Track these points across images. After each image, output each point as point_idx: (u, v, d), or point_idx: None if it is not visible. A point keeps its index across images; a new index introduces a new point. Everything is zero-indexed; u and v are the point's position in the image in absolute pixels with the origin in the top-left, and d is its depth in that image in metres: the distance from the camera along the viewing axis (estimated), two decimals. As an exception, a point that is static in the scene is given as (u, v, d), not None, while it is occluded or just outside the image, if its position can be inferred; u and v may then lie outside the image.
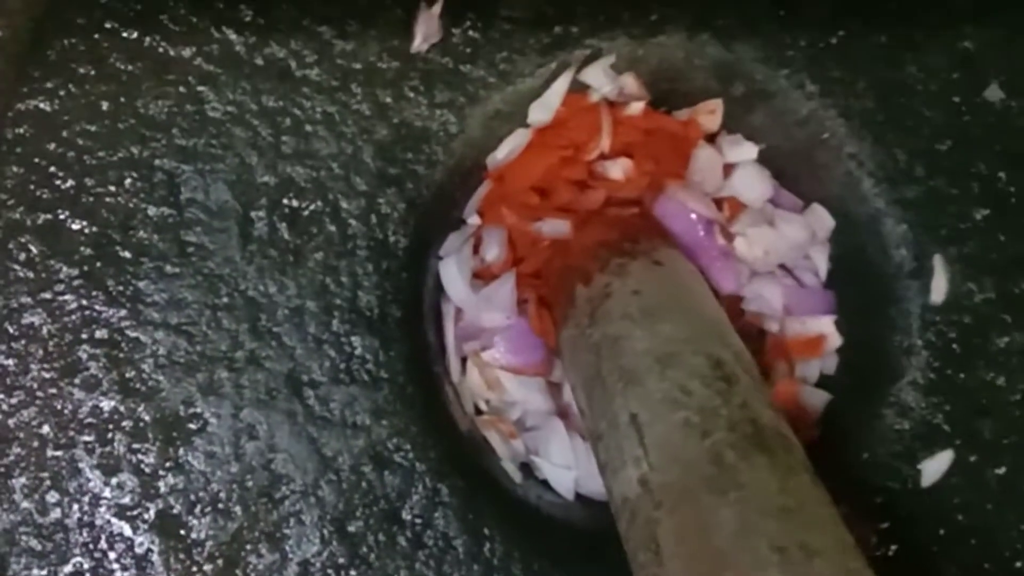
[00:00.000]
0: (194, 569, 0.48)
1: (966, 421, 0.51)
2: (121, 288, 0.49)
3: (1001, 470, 0.51)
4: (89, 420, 0.48)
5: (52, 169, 0.49)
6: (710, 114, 0.56)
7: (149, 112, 0.50)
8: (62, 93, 0.50)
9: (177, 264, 0.50)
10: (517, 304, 0.55)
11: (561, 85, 0.53)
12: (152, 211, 0.50)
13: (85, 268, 0.49)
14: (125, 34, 0.50)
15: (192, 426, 0.49)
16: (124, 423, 0.49)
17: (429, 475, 0.50)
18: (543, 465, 0.54)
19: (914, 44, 0.53)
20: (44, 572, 0.47)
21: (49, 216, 0.49)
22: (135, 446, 0.48)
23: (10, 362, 0.48)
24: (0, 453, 0.48)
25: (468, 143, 0.52)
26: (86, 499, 0.48)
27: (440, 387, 0.54)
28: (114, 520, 0.48)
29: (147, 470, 0.48)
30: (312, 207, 0.50)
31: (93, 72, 0.50)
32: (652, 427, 0.41)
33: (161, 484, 0.48)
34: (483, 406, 0.56)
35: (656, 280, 0.49)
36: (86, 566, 0.48)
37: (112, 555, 0.48)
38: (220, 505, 0.48)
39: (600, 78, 0.54)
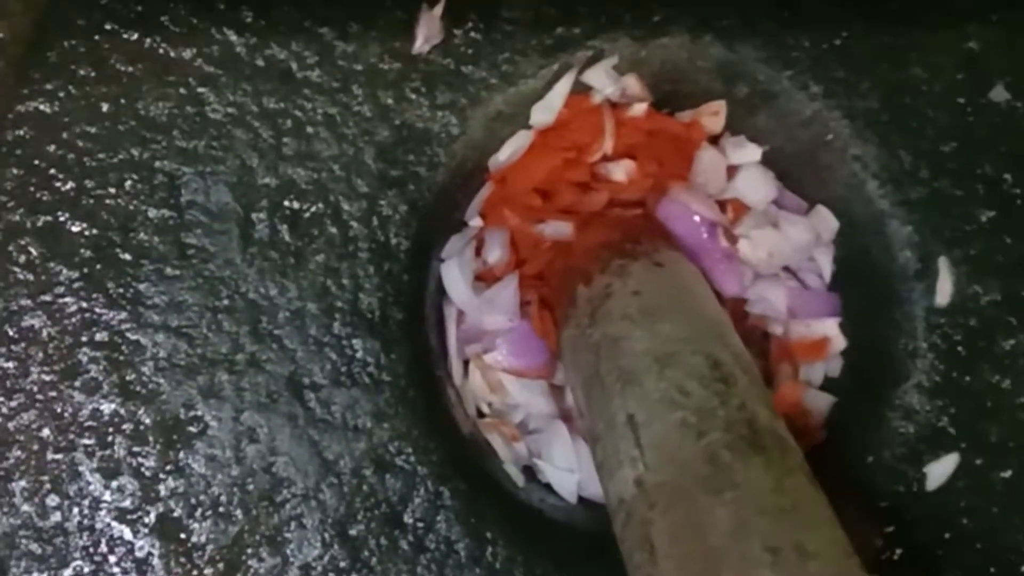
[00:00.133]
0: (195, 573, 0.48)
1: (971, 424, 0.51)
2: (121, 290, 0.49)
3: (1007, 473, 0.51)
4: (89, 423, 0.48)
5: (52, 171, 0.49)
6: (713, 115, 0.56)
7: (150, 114, 0.50)
8: (62, 95, 0.50)
9: (177, 266, 0.49)
10: (520, 306, 0.54)
11: (563, 86, 0.53)
12: (152, 213, 0.50)
13: (85, 270, 0.49)
14: (125, 35, 0.50)
15: (193, 429, 0.49)
16: (124, 426, 0.48)
17: (431, 478, 0.49)
18: (546, 468, 0.54)
19: (919, 45, 0.53)
20: (44, 576, 0.47)
21: (49, 218, 0.49)
22: (135, 449, 0.48)
23: (10, 365, 0.48)
24: (0, 456, 0.48)
25: (470, 145, 0.52)
26: (86, 502, 0.48)
27: (442, 390, 0.54)
28: (114, 524, 0.48)
29: (147, 473, 0.48)
30: (313, 209, 0.50)
31: (93, 74, 0.50)
32: (649, 427, 0.41)
33: (161, 487, 0.48)
34: (485, 409, 0.56)
35: (657, 281, 0.49)
36: (86, 570, 0.48)
37: (112, 559, 0.48)
38: (221, 508, 0.48)
39: (602, 79, 0.53)
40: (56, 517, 0.48)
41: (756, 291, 0.56)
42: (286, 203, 0.50)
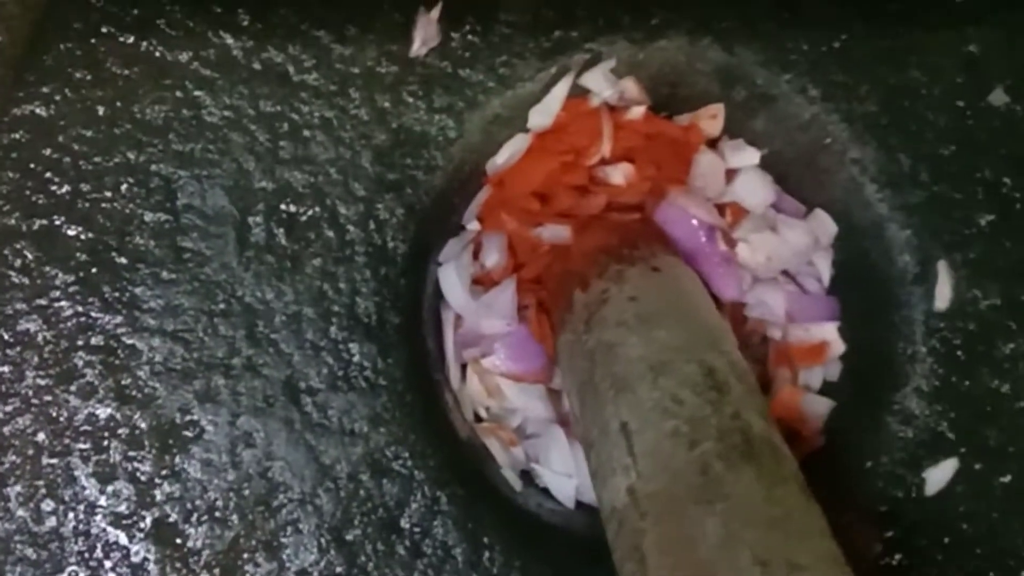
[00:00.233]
0: (190, 578, 0.48)
1: (971, 429, 0.50)
2: (117, 294, 0.49)
3: (1006, 478, 0.50)
4: (85, 428, 0.48)
5: (48, 175, 0.49)
6: (712, 119, 0.56)
7: (146, 117, 0.50)
8: (58, 98, 0.50)
9: (174, 270, 0.49)
10: (517, 310, 0.54)
11: (561, 90, 0.53)
12: (149, 217, 0.49)
13: (81, 274, 0.49)
14: (122, 39, 0.50)
15: (188, 434, 0.48)
16: (120, 431, 0.48)
17: (428, 483, 0.49)
18: (544, 473, 0.54)
19: (918, 48, 0.53)
20: (39, 581, 0.47)
21: (45, 222, 0.49)
22: (131, 454, 0.48)
23: (5, 369, 0.48)
24: (-5, 461, 0.48)
25: (467, 148, 0.52)
26: (82, 507, 0.48)
27: (439, 394, 0.54)
28: (110, 529, 0.48)
29: (143, 478, 0.48)
30: (310, 213, 0.50)
31: (90, 77, 0.50)
32: (642, 436, 0.41)
33: (157, 492, 0.48)
34: (483, 413, 0.56)
35: (653, 286, 0.48)
36: (81, 575, 0.47)
37: (108, 564, 0.47)
38: (217, 513, 0.48)
39: (600, 82, 0.53)
40: (51, 522, 0.47)
41: (755, 295, 0.56)
42: (283, 207, 0.50)
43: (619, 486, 0.41)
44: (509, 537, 0.50)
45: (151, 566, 0.47)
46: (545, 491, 0.55)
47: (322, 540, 0.48)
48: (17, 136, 0.49)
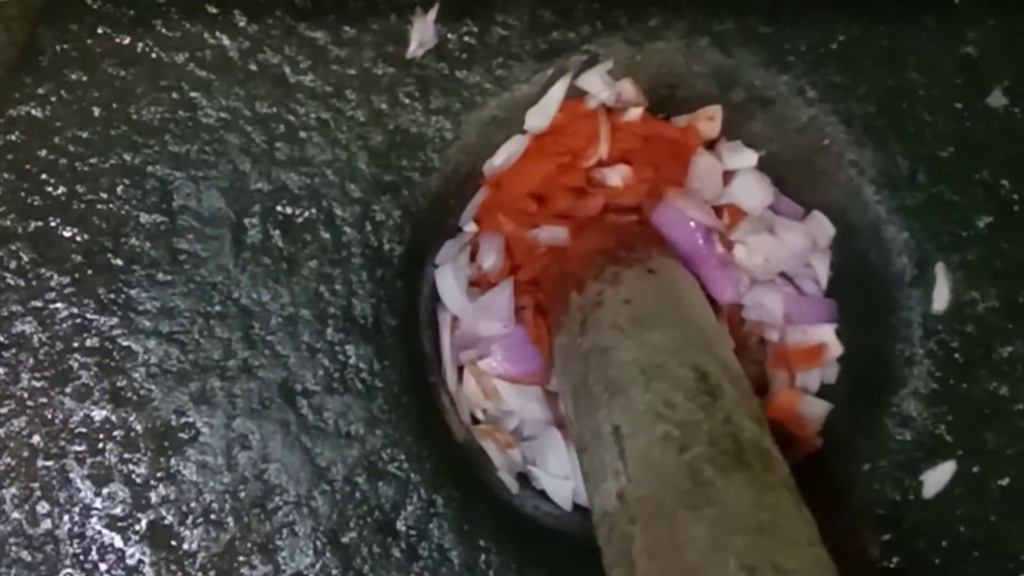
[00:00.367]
0: (186, 581, 0.47)
1: (969, 431, 0.50)
2: (113, 296, 0.49)
3: (1004, 481, 0.50)
4: (80, 430, 0.48)
5: (43, 176, 0.49)
6: (709, 120, 0.56)
7: (142, 118, 0.50)
8: (54, 99, 0.49)
9: (169, 272, 0.49)
10: (515, 312, 0.54)
11: (558, 91, 0.53)
12: (144, 218, 0.49)
13: (76, 276, 0.49)
14: (118, 40, 0.50)
15: (184, 436, 0.48)
16: (115, 433, 0.48)
17: (424, 485, 0.49)
18: (540, 475, 0.54)
19: (916, 49, 0.53)
20: (34, 583, 0.47)
21: (40, 223, 0.49)
22: (126, 456, 0.48)
23: (0, 371, 0.48)
24: (-10, 463, 0.48)
25: (464, 150, 0.52)
26: (77, 510, 0.48)
27: (436, 396, 0.53)
28: (105, 531, 0.48)
29: (139, 480, 0.48)
30: (306, 214, 0.50)
31: (85, 78, 0.50)
32: (633, 440, 0.41)
33: (153, 495, 0.48)
34: (480, 415, 0.56)
35: (649, 289, 0.48)
36: (76, 577, 0.47)
37: (103, 566, 0.47)
38: (212, 516, 0.48)
39: (598, 84, 0.53)
40: (47, 524, 0.47)
41: (752, 297, 0.56)
42: (279, 208, 0.50)
43: (610, 490, 0.41)
44: (505, 540, 0.50)
45: (146, 568, 0.47)
46: (542, 494, 0.55)
47: (318, 543, 0.48)
48: (13, 137, 0.49)
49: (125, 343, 0.49)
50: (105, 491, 0.48)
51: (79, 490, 0.48)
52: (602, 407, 0.43)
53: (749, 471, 0.39)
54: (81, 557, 0.47)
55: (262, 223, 0.50)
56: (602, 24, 0.52)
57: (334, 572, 0.48)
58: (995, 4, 0.54)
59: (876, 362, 0.53)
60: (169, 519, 0.48)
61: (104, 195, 0.49)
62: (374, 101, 0.51)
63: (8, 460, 0.48)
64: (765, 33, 0.53)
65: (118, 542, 0.48)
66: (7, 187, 0.49)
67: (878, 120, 0.52)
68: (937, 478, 0.50)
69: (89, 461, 0.48)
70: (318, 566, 0.48)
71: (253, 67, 0.50)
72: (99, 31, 0.50)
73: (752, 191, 0.56)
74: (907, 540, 0.50)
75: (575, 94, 0.53)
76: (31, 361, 0.48)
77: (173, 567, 0.47)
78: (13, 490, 0.47)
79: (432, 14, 0.51)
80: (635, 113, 0.55)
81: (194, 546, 0.48)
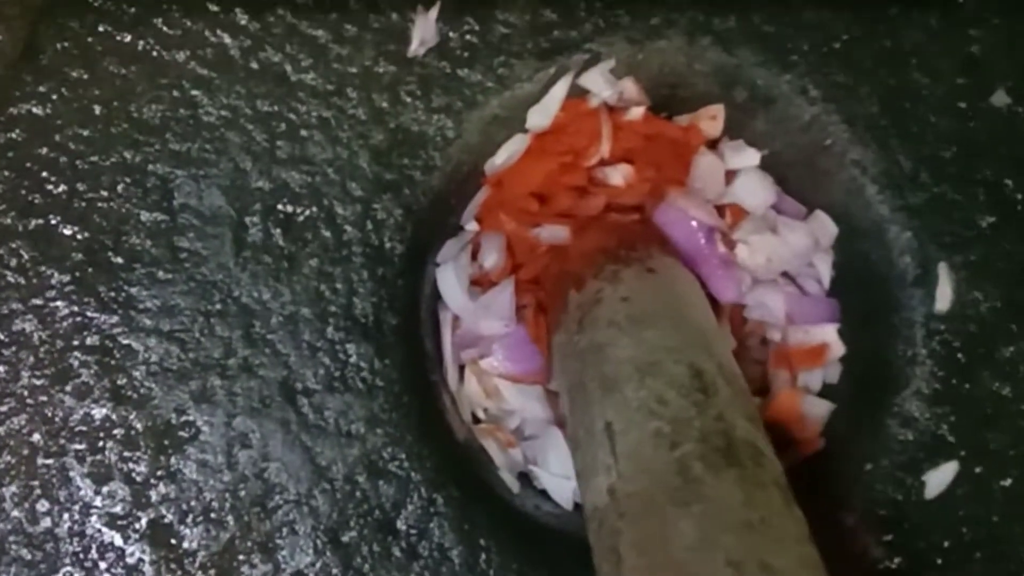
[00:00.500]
0: (186, 579, 0.47)
1: (971, 432, 0.50)
2: (113, 294, 0.49)
3: (1007, 481, 0.50)
4: (80, 428, 0.48)
5: (44, 174, 0.49)
6: (711, 120, 0.56)
7: (143, 116, 0.50)
8: (55, 97, 0.49)
9: (170, 270, 0.49)
10: (516, 311, 0.54)
11: (560, 90, 0.52)
12: (145, 216, 0.49)
13: (77, 274, 0.49)
14: (119, 38, 0.50)
15: (184, 434, 0.48)
16: (115, 431, 0.48)
17: (425, 484, 0.49)
18: (541, 475, 0.54)
19: (919, 49, 0.53)
20: (34, 582, 0.47)
21: (41, 221, 0.49)
22: (126, 454, 0.48)
23: (0, 369, 0.48)
24: (-10, 461, 0.48)
25: (466, 148, 0.52)
26: (77, 508, 0.47)
27: (437, 395, 0.53)
28: (105, 529, 0.47)
29: (138, 479, 0.48)
30: (307, 213, 0.50)
31: (86, 76, 0.50)
32: (625, 436, 0.41)
33: (153, 493, 0.48)
34: (481, 415, 0.56)
35: (648, 288, 0.48)
36: (76, 576, 0.47)
37: (103, 565, 0.47)
38: (212, 515, 0.48)
39: (599, 83, 0.53)
40: (46, 523, 0.47)
41: (754, 297, 0.56)
42: (280, 207, 0.50)
43: (600, 486, 0.41)
44: (506, 539, 0.49)
45: (146, 567, 0.47)
46: (543, 493, 0.55)
47: (318, 542, 0.48)
48: (13, 135, 0.49)
49: (125, 341, 0.49)
50: (105, 489, 0.48)
51: (79, 488, 0.48)
52: (596, 403, 0.43)
53: (740, 469, 0.39)
54: (81, 555, 0.47)
55: (263, 221, 0.50)
56: (604, 23, 0.52)
57: (334, 571, 0.48)
58: (998, 4, 0.53)
59: (878, 362, 0.53)
60: (169, 518, 0.48)
61: (105, 193, 0.49)
62: (375, 99, 0.51)
63: (8, 458, 0.47)
64: (767, 32, 0.52)
65: (118, 540, 0.47)
66: (8, 185, 0.49)
67: (881, 120, 0.52)
68: (939, 479, 0.50)
69: (89, 459, 0.48)
70: (318, 565, 0.48)
71: (254, 65, 0.50)
72: (100, 29, 0.50)
73: (754, 190, 0.56)
74: (909, 540, 0.50)
75: (577, 93, 0.53)
76: (31, 359, 0.48)
77: (173, 566, 0.47)
78: (13, 488, 0.47)
79: (433, 12, 0.51)
80: (637, 112, 0.55)
81: (194, 545, 0.48)
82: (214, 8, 0.50)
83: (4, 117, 0.49)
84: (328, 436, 0.49)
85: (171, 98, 0.50)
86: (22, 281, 0.48)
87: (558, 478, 0.53)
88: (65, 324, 0.48)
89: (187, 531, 0.48)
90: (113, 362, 0.48)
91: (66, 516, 0.47)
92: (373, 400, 0.49)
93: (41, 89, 0.50)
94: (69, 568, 0.47)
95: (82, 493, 0.48)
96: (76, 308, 0.48)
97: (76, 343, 0.48)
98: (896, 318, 0.52)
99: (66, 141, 0.49)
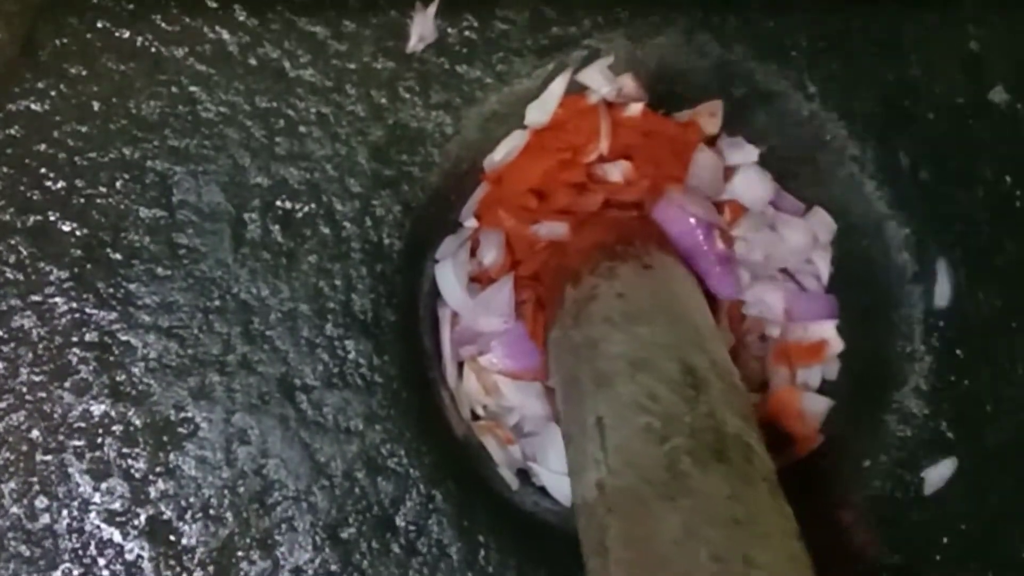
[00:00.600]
0: (184, 576, 0.47)
1: (970, 428, 0.50)
2: (112, 291, 0.49)
3: (1005, 478, 0.50)
4: (79, 424, 0.48)
5: (43, 170, 0.49)
6: (710, 116, 0.56)
7: (141, 113, 0.50)
8: (53, 94, 0.49)
9: (169, 266, 0.49)
10: (515, 308, 0.54)
11: (559, 86, 0.52)
12: (144, 213, 0.49)
13: (76, 270, 0.49)
14: (117, 34, 0.50)
15: (183, 431, 0.48)
16: (114, 427, 0.48)
17: (423, 481, 0.49)
18: (540, 471, 0.54)
19: (918, 45, 0.53)
20: (33, 578, 0.47)
21: (39, 218, 0.49)
22: (125, 451, 0.48)
23: (-1, 365, 0.48)
24: (-11, 457, 0.48)
25: (464, 145, 0.52)
26: (75, 504, 0.48)
27: (436, 392, 0.53)
28: (104, 526, 0.48)
29: (137, 475, 0.48)
30: (306, 209, 0.50)
31: (85, 72, 0.50)
32: (615, 431, 0.41)
33: (152, 490, 0.48)
34: (480, 411, 0.56)
35: (644, 284, 0.48)
36: (75, 572, 0.47)
37: (101, 561, 0.47)
38: (211, 511, 0.48)
39: (598, 79, 0.53)
40: (45, 519, 0.47)
41: (753, 293, 0.56)
42: (278, 203, 0.50)
43: (590, 480, 0.41)
44: (505, 536, 0.49)
45: (145, 564, 0.47)
46: (542, 490, 0.55)
47: (317, 538, 0.48)
48: (12, 132, 0.49)
49: (124, 338, 0.49)
50: (104, 486, 0.48)
51: (78, 485, 0.48)
52: (588, 398, 0.43)
53: (728, 465, 0.38)
54: (80, 552, 0.47)
55: (262, 218, 0.50)
56: (603, 19, 0.52)
57: (333, 567, 0.48)
58: (998, 1, 0.53)
59: (877, 358, 0.53)
60: (168, 514, 0.48)
61: (103, 189, 0.49)
62: (374, 96, 0.51)
63: (7, 454, 0.47)
64: (766, 28, 0.52)
65: (117, 537, 0.47)
66: (6, 181, 0.49)
67: (880, 116, 0.52)
68: (938, 475, 0.50)
69: (88, 456, 0.48)
70: (317, 561, 0.48)
71: (253, 61, 0.50)
72: (98, 25, 0.50)
73: (753, 187, 0.56)
74: (907, 537, 0.50)
75: (576, 89, 0.53)
76: (30, 356, 0.48)
77: (172, 562, 0.47)
78: (12, 484, 0.47)
79: (432, 8, 0.51)
80: (636, 108, 0.55)
81: (193, 541, 0.48)
82: (212, 4, 0.50)
83: (2, 113, 0.49)
84: (327, 432, 0.49)
85: (170, 94, 0.50)
86: (21, 277, 0.48)
87: (557, 475, 0.53)
88: (64, 320, 0.48)
89: (186, 527, 0.48)
90: (112, 358, 0.48)
91: (65, 512, 0.47)
92: (372, 397, 0.49)
93: (40, 85, 0.49)
94: (68, 564, 0.47)
95: (81, 489, 0.48)
96: (75, 304, 0.48)
97: (75, 339, 0.48)
98: (895, 315, 0.52)
99: (65, 137, 0.49)
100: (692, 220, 0.54)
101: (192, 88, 0.50)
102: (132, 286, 0.49)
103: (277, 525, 0.48)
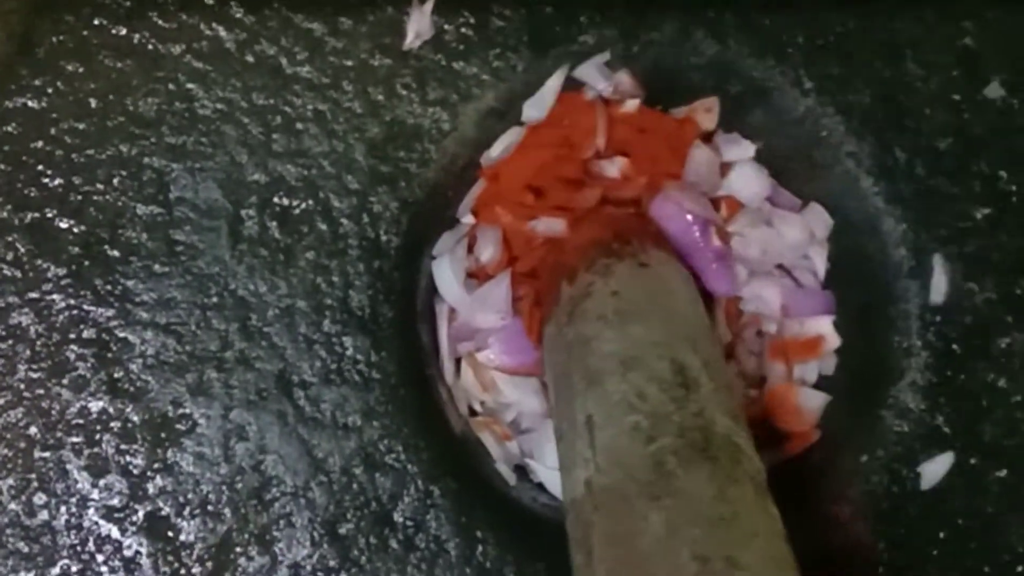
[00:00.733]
0: (183, 572, 0.47)
1: (966, 423, 0.50)
2: (109, 287, 0.49)
3: (1002, 472, 0.50)
4: (77, 421, 0.48)
5: (40, 167, 0.49)
6: (707, 112, 0.56)
7: (138, 110, 0.50)
8: (50, 91, 0.49)
9: (166, 263, 0.49)
10: (512, 304, 0.54)
11: (555, 82, 0.52)
12: (141, 210, 0.49)
13: (73, 267, 0.49)
14: (114, 31, 0.50)
15: (181, 427, 0.48)
16: (112, 424, 0.48)
17: (421, 477, 0.49)
18: (538, 468, 0.54)
19: (914, 41, 0.53)
20: (31, 575, 0.47)
21: (37, 215, 0.49)
22: (123, 447, 0.48)
23: (-3, 362, 0.48)
24: (-13, 454, 0.48)
25: (461, 141, 0.52)
26: (74, 501, 0.48)
27: (433, 388, 0.53)
28: (102, 522, 0.48)
29: (135, 472, 0.48)
30: (303, 206, 0.50)
31: (82, 69, 0.50)
32: (604, 429, 0.41)
33: (150, 486, 0.48)
34: (477, 407, 0.56)
35: (639, 282, 0.48)
36: (73, 569, 0.47)
37: (100, 557, 0.47)
38: (209, 507, 0.48)
39: (594, 75, 0.53)
40: (43, 515, 0.47)
41: (750, 289, 0.56)
42: (276, 200, 0.50)
43: (578, 478, 0.41)
44: (502, 531, 0.50)
45: (143, 560, 0.47)
46: (539, 486, 0.55)
47: (315, 534, 0.48)
48: (9, 129, 0.49)
49: (122, 334, 0.49)
50: (102, 482, 0.48)
51: (76, 481, 0.48)
52: (579, 396, 0.43)
53: (715, 464, 0.38)
54: (78, 548, 0.47)
55: (259, 215, 0.50)
56: (599, 15, 0.52)
57: (331, 563, 0.48)
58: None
59: (874, 354, 0.53)
60: (166, 510, 0.48)
61: (101, 186, 0.49)
62: (371, 92, 0.51)
63: (5, 451, 0.48)
64: (762, 24, 0.52)
65: (115, 533, 0.48)
66: (3, 178, 0.49)
67: (876, 112, 0.52)
68: (935, 470, 0.50)
69: (86, 452, 0.48)
70: (315, 557, 0.48)
71: (250, 58, 0.50)
72: (95, 22, 0.50)
73: (750, 183, 0.56)
74: (905, 532, 0.50)
75: (572, 86, 0.53)
76: (28, 352, 0.48)
77: (170, 558, 0.47)
78: (10, 481, 0.47)
79: (429, 5, 0.51)
80: (632, 105, 0.55)
81: (191, 537, 0.48)
82: (209, 1, 0.50)
83: (0, 111, 0.49)
84: (325, 429, 0.49)
85: (167, 91, 0.50)
86: (18, 275, 0.48)
87: (554, 470, 0.53)
88: (61, 317, 0.48)
89: (184, 524, 0.48)
90: (110, 355, 0.48)
91: (63, 509, 0.48)
92: (369, 393, 0.49)
93: (37, 83, 0.50)
94: (66, 561, 0.47)
95: (79, 486, 0.48)
96: (72, 301, 0.49)
97: (73, 336, 0.48)
98: (891, 310, 0.52)
99: (62, 135, 0.49)
100: (689, 216, 0.54)
101: (189, 85, 0.50)
102: (130, 283, 0.49)
103: (275, 521, 0.48)
